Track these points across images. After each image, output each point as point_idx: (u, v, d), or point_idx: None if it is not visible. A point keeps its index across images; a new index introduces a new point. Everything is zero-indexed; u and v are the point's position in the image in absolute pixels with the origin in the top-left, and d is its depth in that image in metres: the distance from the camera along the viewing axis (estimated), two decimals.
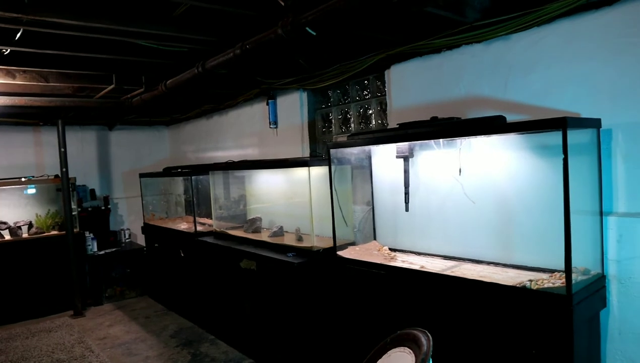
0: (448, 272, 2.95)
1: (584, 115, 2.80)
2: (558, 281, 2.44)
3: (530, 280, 2.52)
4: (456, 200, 3.27)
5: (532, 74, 3.08)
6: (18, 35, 3.30)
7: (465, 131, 2.88)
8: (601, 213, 2.67)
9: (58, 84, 4.79)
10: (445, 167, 3.31)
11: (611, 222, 2.66)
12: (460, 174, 3.21)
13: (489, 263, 3.08)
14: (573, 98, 2.88)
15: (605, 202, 2.69)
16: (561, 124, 2.30)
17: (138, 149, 8.29)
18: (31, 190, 6.88)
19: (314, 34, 2.99)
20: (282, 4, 2.87)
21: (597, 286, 2.57)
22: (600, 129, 2.68)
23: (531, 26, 3.04)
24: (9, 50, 3.79)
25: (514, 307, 2.49)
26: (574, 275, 2.44)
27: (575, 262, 2.51)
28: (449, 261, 3.28)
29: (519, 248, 2.97)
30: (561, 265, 2.39)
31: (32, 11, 2.84)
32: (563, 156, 2.31)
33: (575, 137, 2.59)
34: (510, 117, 3.05)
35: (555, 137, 2.52)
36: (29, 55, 4.10)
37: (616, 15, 2.68)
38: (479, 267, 3.05)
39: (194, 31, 3.34)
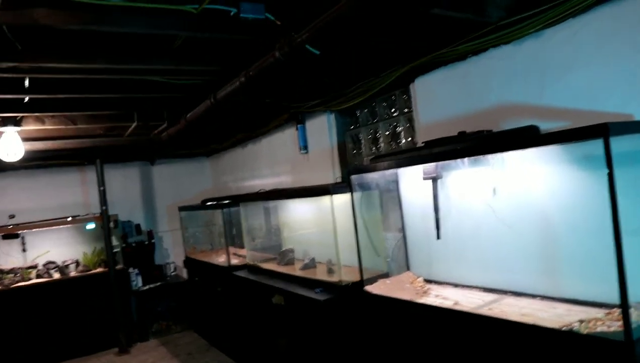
0: (484, 310, 2.54)
1: (638, 117, 2.35)
2: (615, 323, 1.99)
3: (581, 321, 2.08)
4: (493, 224, 2.86)
5: (571, 72, 2.66)
6: (26, 83, 3.28)
7: (493, 147, 2.50)
8: None
9: (86, 126, 4.84)
10: (478, 187, 2.92)
11: None
12: (494, 194, 2.81)
13: (534, 296, 2.64)
14: (623, 97, 2.44)
15: None
16: (602, 131, 1.89)
17: (180, 182, 8.34)
18: (90, 226, 6.92)
19: (317, 52, 2.75)
20: (278, 23, 2.65)
21: None
22: None
23: (565, 18, 2.63)
24: (27, 98, 3.82)
25: (562, 355, 2.05)
26: (635, 315, 1.99)
27: (638, 297, 2.06)
28: (488, 294, 2.85)
29: (569, 278, 2.52)
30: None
31: (28, 58, 2.80)
32: (607, 171, 1.89)
33: (625, 144, 2.15)
34: (549, 125, 2.65)
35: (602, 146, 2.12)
36: (55, 100, 4.15)
37: None
38: (523, 302, 2.61)
39: (194, 63, 3.21)
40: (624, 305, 1.84)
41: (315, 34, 2.40)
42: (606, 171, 1.95)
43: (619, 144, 2.01)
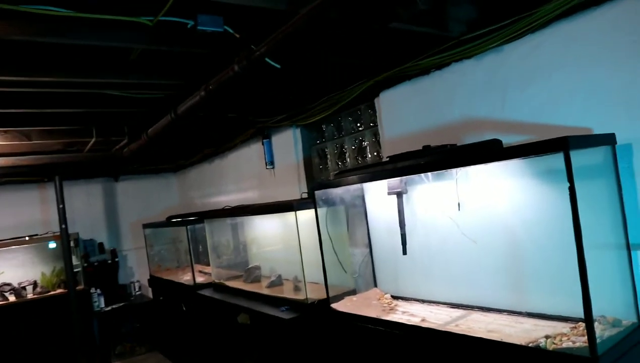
0: (452, 327, 2.50)
1: (596, 130, 2.38)
2: (580, 338, 1.97)
3: (547, 337, 2.05)
4: (459, 239, 2.83)
5: (531, 86, 2.68)
6: None
7: (456, 161, 2.47)
8: (628, 247, 2.20)
9: (42, 141, 4.64)
10: (443, 202, 2.89)
11: None
12: (459, 209, 2.79)
13: (501, 311, 2.61)
14: (582, 111, 2.46)
15: (632, 233, 2.22)
16: (562, 145, 1.88)
17: (146, 198, 8.10)
18: (52, 245, 6.65)
19: (279, 66, 2.69)
20: (237, 36, 2.58)
21: (634, 339, 2.06)
22: (616, 145, 2.24)
23: (525, 33, 2.66)
24: None
25: None
26: (600, 328, 1.98)
27: (602, 310, 2.06)
28: (455, 310, 2.82)
29: (535, 292, 2.50)
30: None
31: None
32: (568, 184, 1.88)
33: (586, 157, 2.17)
34: (511, 139, 2.65)
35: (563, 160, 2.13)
36: (6, 115, 3.95)
37: (624, 9, 2.26)
38: (490, 317, 2.59)
39: (153, 76, 3.10)
40: (588, 320, 1.82)
41: (273, 47, 2.34)
42: (567, 185, 1.94)
43: (579, 157, 2.01)
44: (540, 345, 2.00)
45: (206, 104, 3.12)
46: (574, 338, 1.98)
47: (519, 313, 2.53)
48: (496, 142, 2.43)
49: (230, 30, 2.57)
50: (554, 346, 1.96)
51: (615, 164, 2.22)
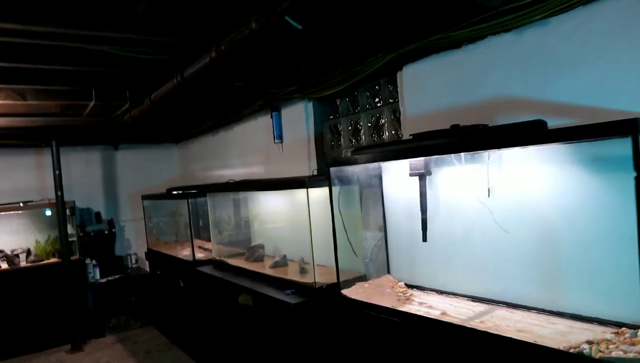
0: (476, 323, 2.29)
1: None
2: (632, 348, 1.75)
3: (590, 343, 1.84)
4: (486, 228, 2.60)
5: (578, 66, 2.42)
6: None
7: (494, 142, 2.23)
8: None
9: (38, 102, 4.37)
10: (471, 187, 2.66)
11: None
12: (489, 196, 2.55)
13: (529, 309, 2.40)
14: (635, 95, 2.21)
15: None
16: (630, 128, 1.64)
17: (146, 169, 7.87)
18: (49, 212, 6.44)
19: (300, 27, 2.42)
20: None
21: None
22: None
23: (575, 6, 2.38)
24: None
25: None
26: None
27: None
28: (478, 304, 2.60)
29: (569, 290, 2.28)
30: (628, 316, 1.85)
31: None
32: (635, 174, 1.64)
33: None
34: (552, 122, 2.39)
35: (614, 147, 1.91)
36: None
37: None
38: (517, 315, 2.37)
39: (160, 33, 2.82)
40: None
41: (298, 2, 2.07)
42: (625, 171, 1.71)
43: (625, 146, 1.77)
44: (584, 351, 1.79)
45: (216, 66, 2.86)
46: (623, 347, 1.77)
47: (550, 312, 2.32)
48: (541, 123, 2.19)
49: None
50: (600, 354, 1.74)
51: None
